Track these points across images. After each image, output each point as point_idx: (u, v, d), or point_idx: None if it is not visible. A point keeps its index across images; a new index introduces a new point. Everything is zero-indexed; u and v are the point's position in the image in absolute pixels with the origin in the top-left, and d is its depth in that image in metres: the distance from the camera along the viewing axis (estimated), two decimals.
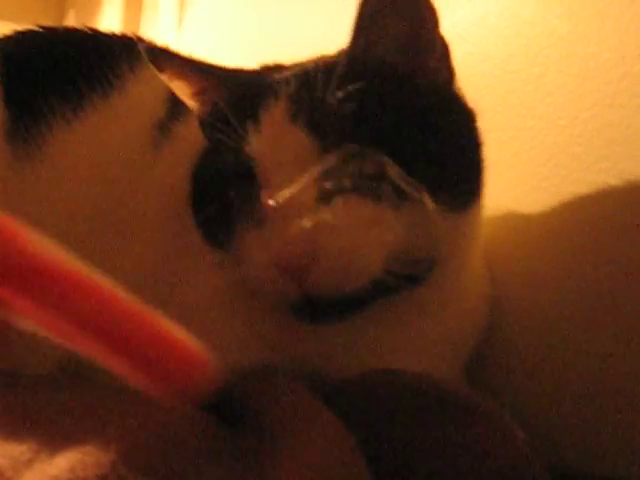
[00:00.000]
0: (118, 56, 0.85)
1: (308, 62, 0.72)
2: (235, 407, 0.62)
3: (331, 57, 0.71)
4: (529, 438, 0.62)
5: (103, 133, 0.81)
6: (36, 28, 0.90)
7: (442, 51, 0.69)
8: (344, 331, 0.70)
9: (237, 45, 1.60)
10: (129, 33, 0.92)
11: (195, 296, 0.74)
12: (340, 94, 0.63)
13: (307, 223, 0.60)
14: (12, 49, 0.87)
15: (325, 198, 0.62)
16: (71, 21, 2.48)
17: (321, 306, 0.63)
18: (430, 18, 0.67)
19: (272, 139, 0.64)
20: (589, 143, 0.76)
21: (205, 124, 0.73)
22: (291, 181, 0.62)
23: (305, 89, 0.65)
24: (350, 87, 0.62)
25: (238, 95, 0.69)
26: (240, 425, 0.60)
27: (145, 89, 0.84)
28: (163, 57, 0.71)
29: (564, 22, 0.80)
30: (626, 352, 0.70)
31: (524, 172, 0.74)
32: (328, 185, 0.62)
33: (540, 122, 0.81)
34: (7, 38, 0.89)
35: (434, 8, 0.66)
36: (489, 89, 0.72)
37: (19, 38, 0.89)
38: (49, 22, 0.99)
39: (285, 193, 0.61)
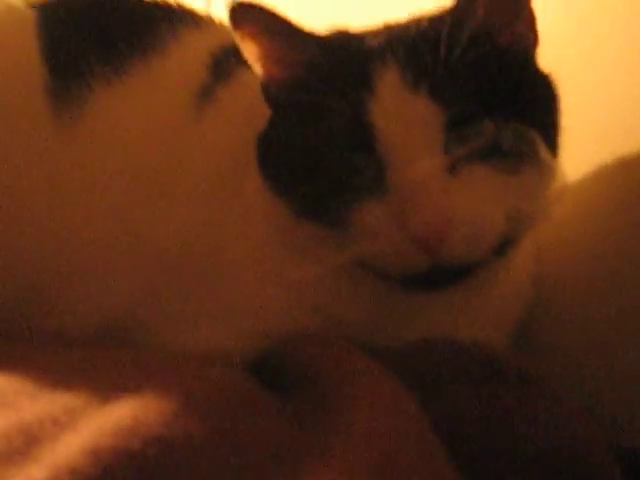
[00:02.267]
0: (159, 19, 0.84)
1: (392, 27, 0.70)
2: (288, 373, 0.62)
3: (424, 20, 0.69)
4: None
5: (145, 96, 0.79)
6: None
7: (530, 17, 0.69)
8: (397, 300, 0.70)
9: None
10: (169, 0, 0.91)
11: (242, 260, 0.72)
12: (460, 58, 0.62)
13: (440, 194, 0.60)
14: (53, 10, 0.85)
15: (453, 167, 0.61)
16: None
17: (440, 275, 0.63)
18: None
19: (394, 107, 0.62)
20: None
21: (284, 89, 0.69)
22: (419, 151, 0.61)
23: (418, 54, 0.63)
24: (472, 52, 0.61)
25: (336, 60, 0.66)
26: (294, 390, 0.59)
27: (187, 53, 0.82)
28: (247, 11, 0.67)
29: None
30: None
31: (575, 148, 0.72)
32: (456, 154, 0.61)
33: (592, 98, 0.80)
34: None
35: None
36: (542, 63, 0.71)
37: (61, 1, 0.87)
38: None
39: (415, 164, 0.60)
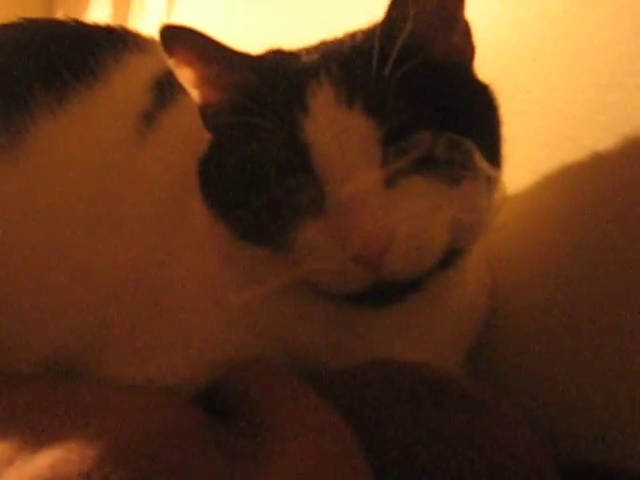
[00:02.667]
0: (102, 46, 0.83)
1: (327, 44, 0.70)
2: (230, 402, 0.61)
3: (358, 35, 0.68)
4: (532, 429, 0.60)
5: (88, 123, 0.79)
6: (19, 20, 0.88)
7: (465, 28, 0.69)
8: (346, 320, 0.69)
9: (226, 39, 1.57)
10: (113, 24, 0.90)
11: (189, 287, 0.72)
12: (393, 72, 0.61)
13: (378, 209, 0.59)
14: None
15: (391, 182, 0.61)
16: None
17: (386, 291, 0.63)
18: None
19: (328, 124, 0.61)
20: (587, 126, 0.74)
21: (221, 113, 0.69)
22: (355, 167, 0.60)
23: (351, 70, 0.63)
24: (404, 65, 0.61)
25: (270, 81, 0.65)
26: (236, 419, 0.59)
27: (130, 78, 0.81)
28: (178, 35, 0.66)
29: (557, 2, 0.78)
30: (629, 341, 0.68)
31: (521, 157, 0.72)
32: (394, 167, 0.61)
33: (536, 106, 0.80)
34: None
35: None
36: (483, 74, 0.70)
37: (2, 29, 0.87)
38: None
39: (352, 181, 0.60)
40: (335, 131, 0.61)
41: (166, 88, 0.79)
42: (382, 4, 0.65)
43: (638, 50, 0.70)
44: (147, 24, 1.70)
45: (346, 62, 0.64)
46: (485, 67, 0.71)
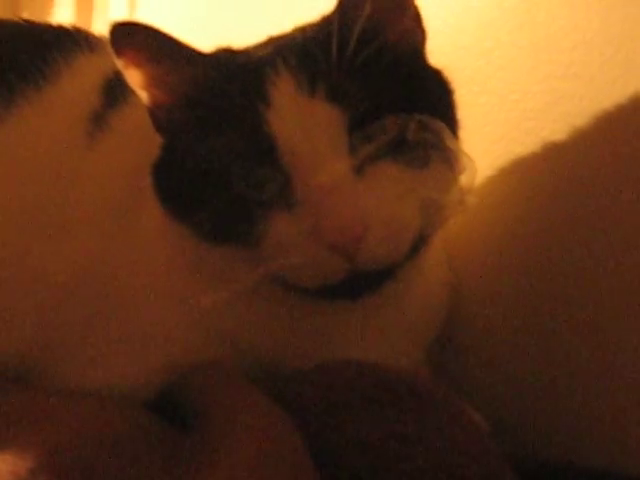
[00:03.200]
0: (51, 46, 0.81)
1: (277, 38, 0.69)
2: (183, 406, 0.60)
3: (309, 28, 0.68)
4: (492, 429, 0.59)
5: (36, 125, 0.77)
6: None
7: (415, 11, 0.68)
8: (306, 320, 0.68)
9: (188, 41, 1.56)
10: (64, 24, 0.89)
11: (142, 291, 0.70)
12: (352, 58, 0.60)
13: (350, 197, 0.58)
14: None
15: (360, 169, 0.60)
16: None
17: (360, 282, 0.62)
18: None
19: (291, 115, 0.60)
20: (543, 117, 0.73)
21: (173, 112, 0.67)
22: (323, 157, 0.59)
23: (309, 59, 0.62)
24: (363, 51, 0.60)
25: (226, 75, 0.64)
26: (188, 424, 0.57)
27: (79, 78, 0.80)
28: (128, 33, 0.63)
29: None
30: (583, 338, 0.68)
31: (477, 149, 0.71)
32: (362, 154, 0.60)
33: (492, 98, 0.79)
34: None
35: None
36: (438, 66, 0.70)
37: None
38: None
39: (322, 170, 0.59)
40: (299, 121, 0.60)
41: (117, 89, 0.77)
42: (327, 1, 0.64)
43: (593, 40, 0.70)
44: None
45: (303, 52, 0.63)
46: (440, 59, 0.71)
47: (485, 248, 0.79)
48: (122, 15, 1.66)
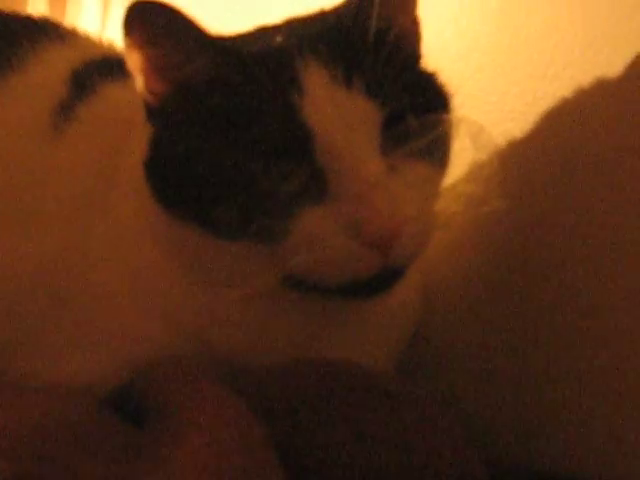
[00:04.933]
0: (20, 36, 0.79)
1: (299, 22, 0.67)
2: (142, 401, 0.59)
3: (324, 16, 0.66)
4: (464, 430, 0.58)
5: (1, 116, 0.75)
6: None
7: (415, 11, 0.68)
8: (280, 317, 0.66)
9: None
10: (33, 14, 0.87)
11: (107, 283, 0.67)
12: (387, 50, 0.60)
13: (389, 197, 0.57)
14: None
15: (392, 166, 0.59)
16: None
17: (382, 279, 0.61)
18: None
19: (329, 107, 0.58)
20: (522, 118, 0.73)
21: (178, 101, 0.62)
22: (361, 153, 0.58)
23: (342, 48, 0.60)
24: (394, 43, 0.60)
25: (252, 61, 0.60)
26: (147, 419, 0.56)
27: (46, 69, 0.77)
28: (146, 11, 0.58)
29: None
30: (559, 338, 0.67)
31: (454, 150, 0.70)
32: (394, 153, 0.59)
33: (470, 99, 0.77)
34: None
35: None
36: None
37: None
38: None
39: (360, 168, 0.57)
40: (337, 113, 0.58)
41: (85, 80, 0.75)
42: None
43: (573, 42, 0.69)
44: (83, 20, 1.67)
45: (334, 40, 0.61)
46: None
47: (458, 247, 0.78)
48: (96, 9, 1.64)
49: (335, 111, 0.58)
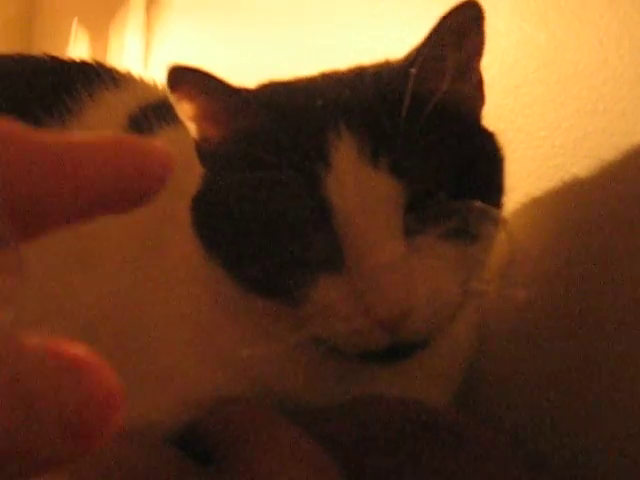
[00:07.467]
0: (76, 81, 0.81)
1: (336, 81, 0.66)
2: (209, 442, 0.59)
3: (362, 75, 0.65)
4: (528, 464, 0.58)
5: None
6: None
7: (478, 76, 0.67)
8: (336, 362, 0.66)
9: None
10: (88, 59, 0.89)
11: (169, 325, 0.69)
12: (421, 127, 0.58)
13: (404, 278, 0.57)
14: None
15: (413, 243, 0.59)
16: None
17: (399, 349, 0.61)
18: (481, 48, 0.65)
19: (352, 183, 0.58)
20: (572, 153, 0.73)
21: (222, 149, 0.65)
22: (380, 233, 0.58)
23: (374, 123, 0.59)
24: (435, 120, 0.59)
25: (285, 125, 0.61)
26: (215, 460, 0.56)
27: (104, 114, 0.79)
28: (184, 74, 0.62)
29: (540, 30, 0.77)
30: (613, 371, 0.66)
31: (505, 186, 0.71)
32: (417, 235, 0.59)
33: (520, 135, 0.78)
34: None
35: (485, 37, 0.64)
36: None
37: None
38: None
39: (377, 248, 0.57)
40: (360, 191, 0.58)
41: (141, 124, 0.77)
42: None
43: (622, 76, 0.69)
44: (125, 60, 1.70)
45: (367, 112, 0.60)
46: None
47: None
48: (137, 49, 1.68)
49: (357, 189, 0.58)
